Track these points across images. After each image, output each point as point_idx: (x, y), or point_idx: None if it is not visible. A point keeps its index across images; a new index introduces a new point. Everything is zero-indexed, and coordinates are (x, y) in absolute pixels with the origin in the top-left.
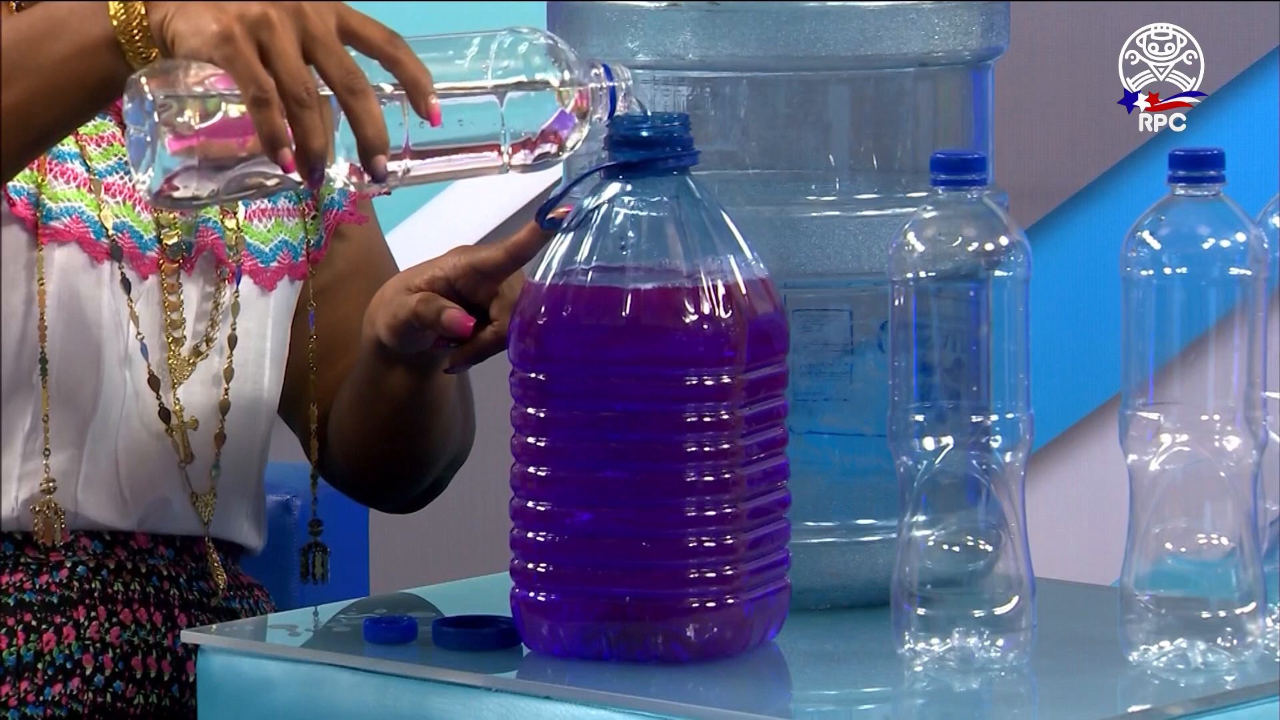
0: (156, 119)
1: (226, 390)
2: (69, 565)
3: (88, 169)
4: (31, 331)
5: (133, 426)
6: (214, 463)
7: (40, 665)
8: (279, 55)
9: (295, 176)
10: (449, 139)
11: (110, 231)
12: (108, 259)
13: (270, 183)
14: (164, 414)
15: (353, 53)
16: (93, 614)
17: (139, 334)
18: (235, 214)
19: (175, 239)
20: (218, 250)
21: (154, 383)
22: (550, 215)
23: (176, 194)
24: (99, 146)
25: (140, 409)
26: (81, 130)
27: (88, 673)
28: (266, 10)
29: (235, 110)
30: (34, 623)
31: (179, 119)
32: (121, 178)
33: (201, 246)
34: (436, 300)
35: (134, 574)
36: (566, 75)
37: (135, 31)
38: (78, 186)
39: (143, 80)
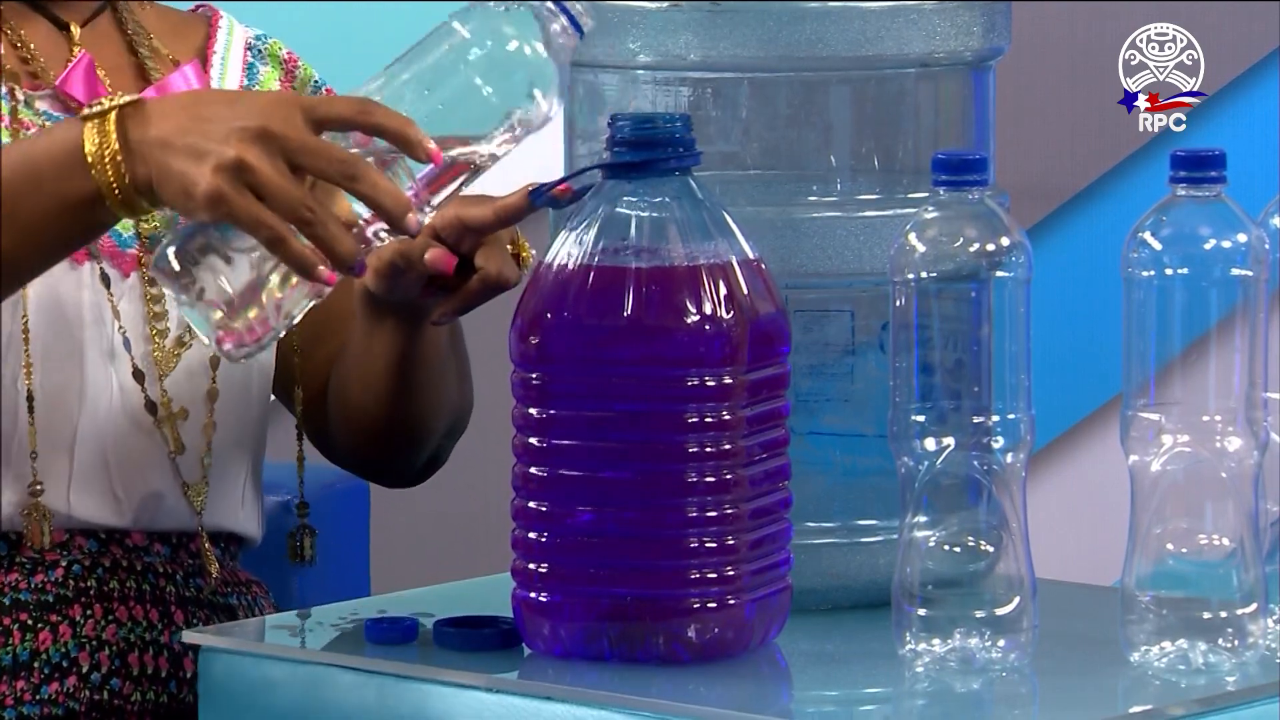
0: (200, 314)
1: (214, 378)
2: (64, 564)
3: None
4: (15, 337)
5: (120, 423)
6: (205, 452)
7: (36, 664)
8: (270, 191)
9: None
10: (451, 157)
11: None
12: (88, 259)
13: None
14: (151, 407)
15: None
16: (89, 612)
17: (121, 328)
18: None
19: (154, 229)
20: None
21: (139, 376)
22: (547, 194)
23: (248, 349)
24: None
25: (126, 404)
26: None
27: (84, 671)
28: (239, 154)
29: (250, 267)
30: (30, 622)
31: (213, 296)
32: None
33: None
34: (420, 240)
35: (129, 571)
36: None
37: (117, 190)
38: None
39: (166, 275)
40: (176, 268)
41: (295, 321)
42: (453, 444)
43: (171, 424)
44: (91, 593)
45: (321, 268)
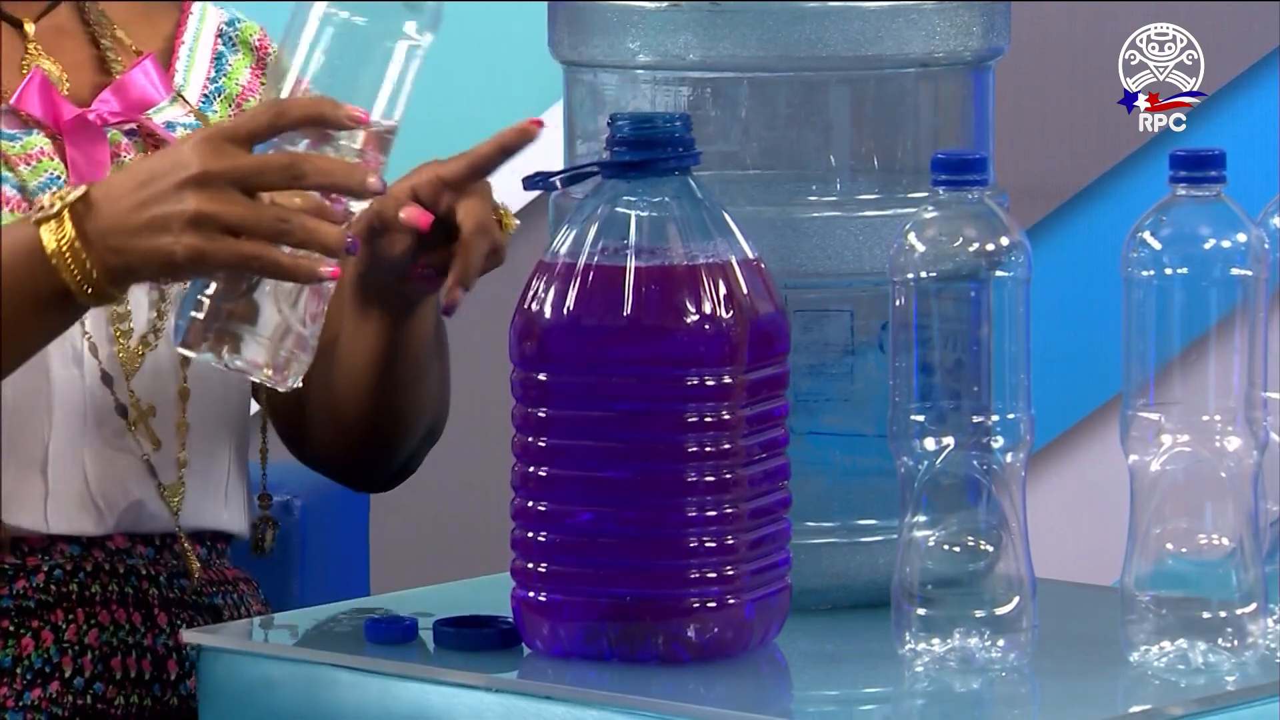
0: (246, 367)
1: (185, 378)
2: (46, 569)
3: (20, 190)
4: None
5: (93, 433)
6: (180, 452)
7: (19, 670)
8: (239, 225)
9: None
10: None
11: None
12: None
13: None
14: (121, 410)
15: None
16: (70, 617)
17: (85, 333)
18: None
19: None
20: None
21: (107, 380)
22: (541, 181)
23: (299, 371)
24: (28, 164)
25: (97, 411)
26: (9, 151)
27: (67, 675)
28: (195, 207)
29: (269, 299)
30: (11, 628)
31: (252, 354)
32: (53, 194)
33: None
34: (397, 199)
35: (112, 575)
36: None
37: (87, 287)
38: (11, 210)
39: (194, 349)
40: (201, 337)
41: (322, 321)
42: (427, 449)
43: (144, 424)
44: (73, 597)
45: (322, 268)
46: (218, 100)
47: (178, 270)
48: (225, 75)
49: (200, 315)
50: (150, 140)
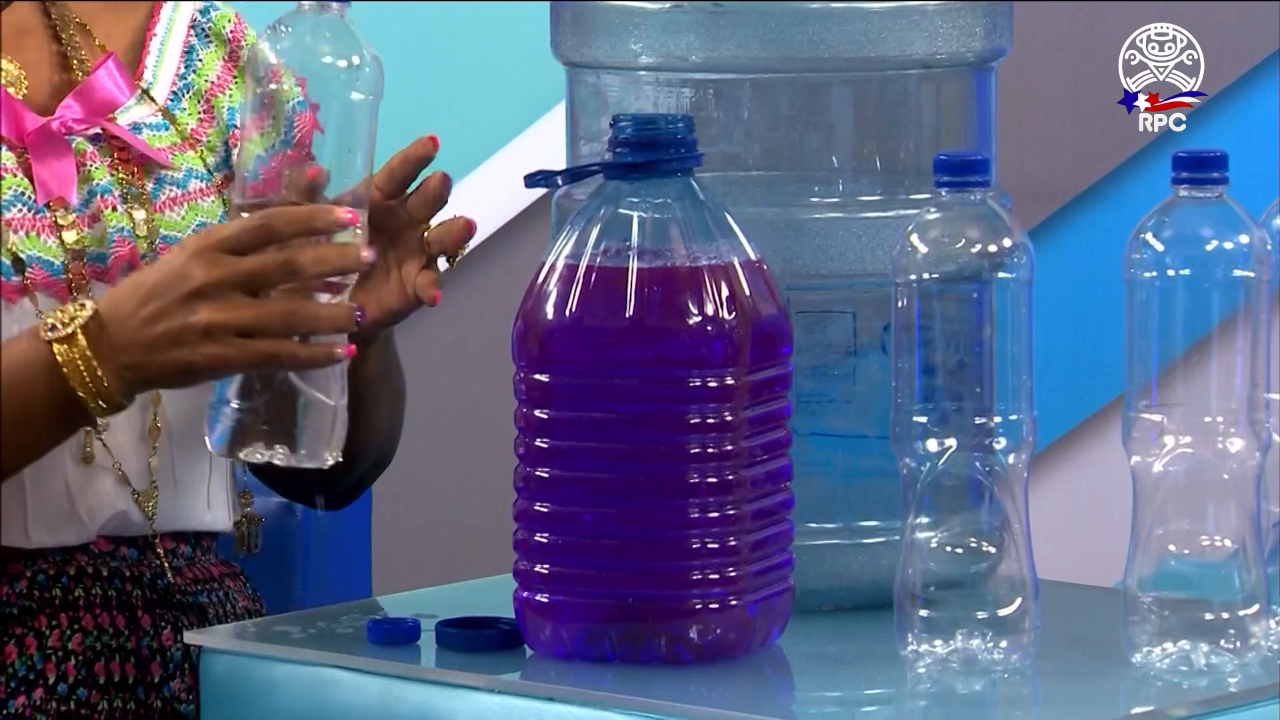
0: (300, 462)
1: None
2: (29, 575)
3: None
4: None
5: (69, 445)
6: (151, 455)
7: (3, 678)
8: (252, 327)
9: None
10: (350, 162)
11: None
12: (20, 296)
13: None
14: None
15: None
16: (53, 622)
17: None
18: (145, 206)
19: (83, 244)
20: (134, 259)
21: None
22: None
23: (343, 440)
24: None
25: None
26: None
27: (51, 682)
28: (207, 318)
29: (299, 388)
30: None
31: (295, 452)
32: (20, 210)
33: (119, 257)
34: None
35: (95, 579)
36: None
37: (103, 403)
38: None
39: (236, 457)
40: (246, 441)
41: (346, 389)
42: (376, 476)
43: (107, 430)
44: (56, 602)
45: (338, 350)
46: (186, 97)
47: (199, 377)
48: (195, 71)
49: (240, 421)
50: (115, 144)
